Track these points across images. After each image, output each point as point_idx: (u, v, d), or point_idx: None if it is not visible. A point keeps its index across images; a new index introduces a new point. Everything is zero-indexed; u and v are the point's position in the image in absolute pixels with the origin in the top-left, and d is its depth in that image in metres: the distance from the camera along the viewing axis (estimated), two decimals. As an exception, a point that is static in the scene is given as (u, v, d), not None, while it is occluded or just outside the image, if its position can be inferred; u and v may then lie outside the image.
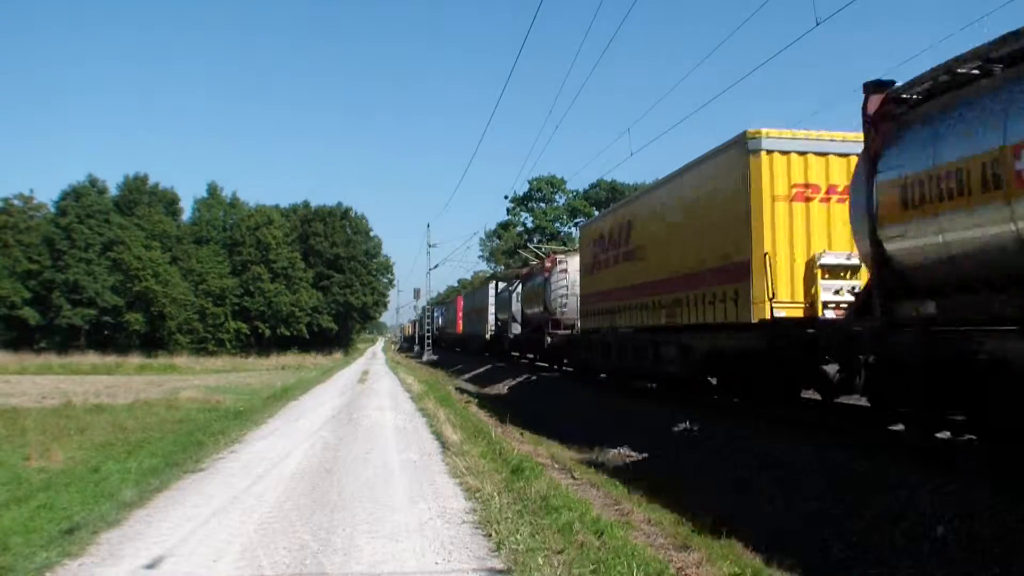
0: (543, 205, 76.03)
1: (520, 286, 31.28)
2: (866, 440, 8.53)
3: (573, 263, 23.09)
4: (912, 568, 5.72)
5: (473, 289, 55.05)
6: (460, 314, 51.15)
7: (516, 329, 31.44)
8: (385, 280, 75.43)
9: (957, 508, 5.94)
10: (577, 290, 21.97)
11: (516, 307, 31.30)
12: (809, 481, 7.70)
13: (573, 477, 9.84)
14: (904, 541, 6.02)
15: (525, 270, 32.15)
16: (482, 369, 32.63)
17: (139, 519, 6.76)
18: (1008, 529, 5.45)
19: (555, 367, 26.00)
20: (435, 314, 60.47)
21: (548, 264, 25.42)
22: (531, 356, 30.59)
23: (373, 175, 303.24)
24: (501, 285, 37.16)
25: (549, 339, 24.83)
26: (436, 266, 78.43)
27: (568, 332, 23.13)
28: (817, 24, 10.06)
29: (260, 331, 64.30)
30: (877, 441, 8.42)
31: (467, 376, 32.12)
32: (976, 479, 6.34)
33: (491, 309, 37.80)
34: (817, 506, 7.22)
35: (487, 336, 38.53)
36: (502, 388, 24.66)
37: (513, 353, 33.32)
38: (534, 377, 24.31)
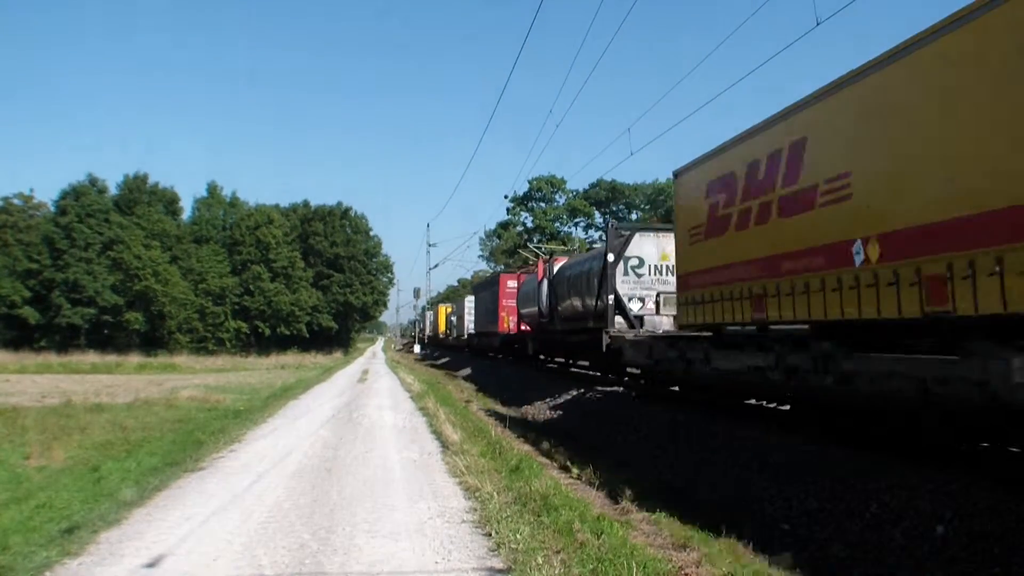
0: (543, 205, 76.11)
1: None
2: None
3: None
4: (912, 568, 5.72)
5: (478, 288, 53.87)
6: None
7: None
8: (385, 279, 75.52)
9: (957, 508, 5.94)
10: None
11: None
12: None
13: (571, 476, 9.84)
14: (904, 541, 6.02)
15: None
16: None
17: (139, 518, 6.76)
18: (1008, 529, 5.45)
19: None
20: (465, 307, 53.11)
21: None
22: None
23: (373, 175, 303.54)
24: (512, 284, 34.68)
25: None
26: (436, 266, 78.75)
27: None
28: (817, 24, 10.06)
29: (260, 330, 64.32)
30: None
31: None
32: (976, 479, 6.34)
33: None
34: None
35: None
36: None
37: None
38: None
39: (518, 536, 5.83)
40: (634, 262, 17.00)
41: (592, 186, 74.62)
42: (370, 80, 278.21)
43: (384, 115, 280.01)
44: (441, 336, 63.47)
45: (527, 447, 12.39)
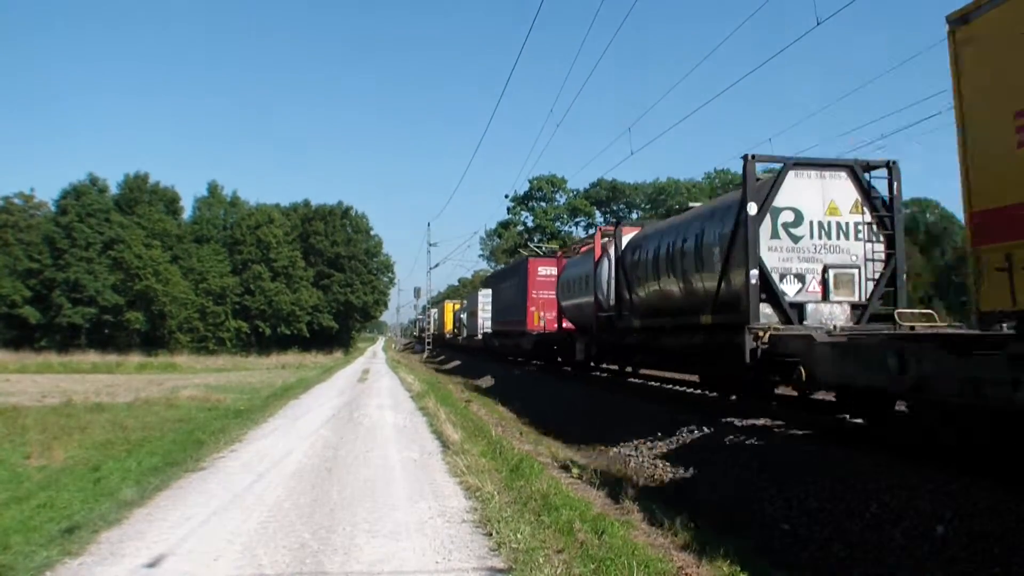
0: (543, 204, 76.30)
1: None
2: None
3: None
4: (912, 568, 5.72)
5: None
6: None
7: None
8: (385, 279, 75.55)
9: (957, 508, 5.94)
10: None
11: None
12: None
13: (572, 475, 9.84)
14: (904, 541, 6.02)
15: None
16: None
17: (139, 518, 6.76)
18: (1008, 529, 5.45)
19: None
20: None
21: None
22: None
23: (373, 174, 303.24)
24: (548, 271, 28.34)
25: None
26: (436, 265, 78.82)
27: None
28: (818, 24, 10.03)
29: (260, 330, 64.35)
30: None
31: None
32: (976, 479, 6.34)
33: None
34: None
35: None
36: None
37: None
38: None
39: (519, 536, 5.83)
40: (787, 217, 11.06)
41: (593, 185, 74.85)
42: (370, 79, 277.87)
43: (384, 114, 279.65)
44: (448, 336, 62.48)
45: (527, 447, 12.40)
